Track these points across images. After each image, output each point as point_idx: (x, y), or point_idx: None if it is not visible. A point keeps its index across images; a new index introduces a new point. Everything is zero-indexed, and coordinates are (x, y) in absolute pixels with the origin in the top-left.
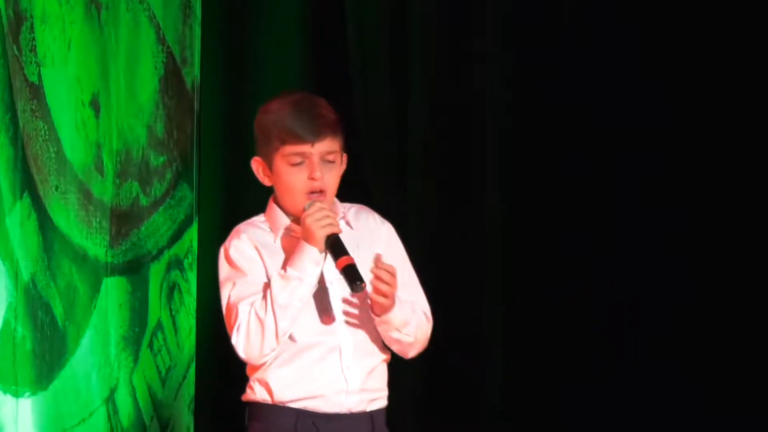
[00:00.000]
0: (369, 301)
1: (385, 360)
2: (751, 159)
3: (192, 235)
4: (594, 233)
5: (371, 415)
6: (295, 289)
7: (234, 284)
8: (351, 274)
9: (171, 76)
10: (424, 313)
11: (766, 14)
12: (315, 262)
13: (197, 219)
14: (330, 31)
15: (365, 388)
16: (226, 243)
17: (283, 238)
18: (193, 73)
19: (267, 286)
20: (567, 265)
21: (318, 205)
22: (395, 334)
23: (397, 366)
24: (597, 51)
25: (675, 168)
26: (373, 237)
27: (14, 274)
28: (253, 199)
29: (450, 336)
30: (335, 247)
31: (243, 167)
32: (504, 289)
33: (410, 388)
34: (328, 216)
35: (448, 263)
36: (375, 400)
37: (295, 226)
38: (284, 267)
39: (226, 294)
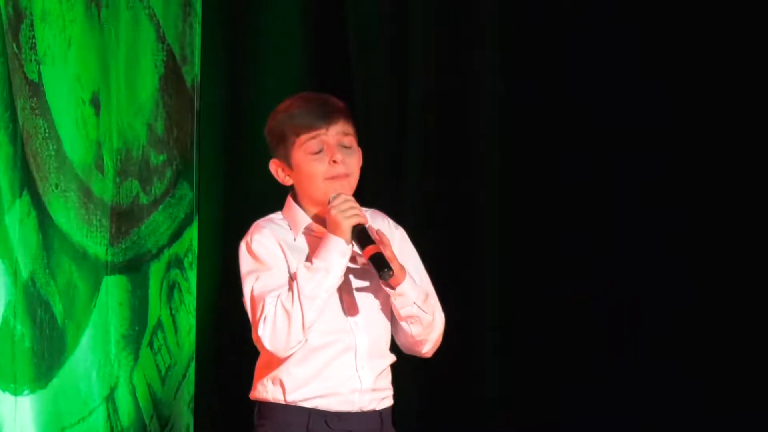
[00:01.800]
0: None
1: (391, 362)
2: (751, 159)
3: (192, 233)
4: (594, 233)
5: (380, 413)
6: (322, 281)
7: (257, 277)
8: (379, 262)
9: (171, 75)
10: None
11: (766, 14)
12: (341, 254)
13: (197, 218)
14: (330, 28)
15: (376, 387)
16: (247, 238)
17: (303, 237)
18: (193, 72)
19: (292, 279)
20: (567, 265)
21: (343, 196)
22: (414, 309)
23: (398, 365)
24: (597, 51)
25: (675, 168)
26: None
27: (13, 272)
28: (253, 198)
29: (450, 334)
30: (361, 236)
31: (243, 166)
32: (504, 289)
33: (411, 386)
34: (353, 207)
35: (447, 262)
36: (384, 398)
37: (315, 226)
38: (309, 260)
39: (249, 287)
